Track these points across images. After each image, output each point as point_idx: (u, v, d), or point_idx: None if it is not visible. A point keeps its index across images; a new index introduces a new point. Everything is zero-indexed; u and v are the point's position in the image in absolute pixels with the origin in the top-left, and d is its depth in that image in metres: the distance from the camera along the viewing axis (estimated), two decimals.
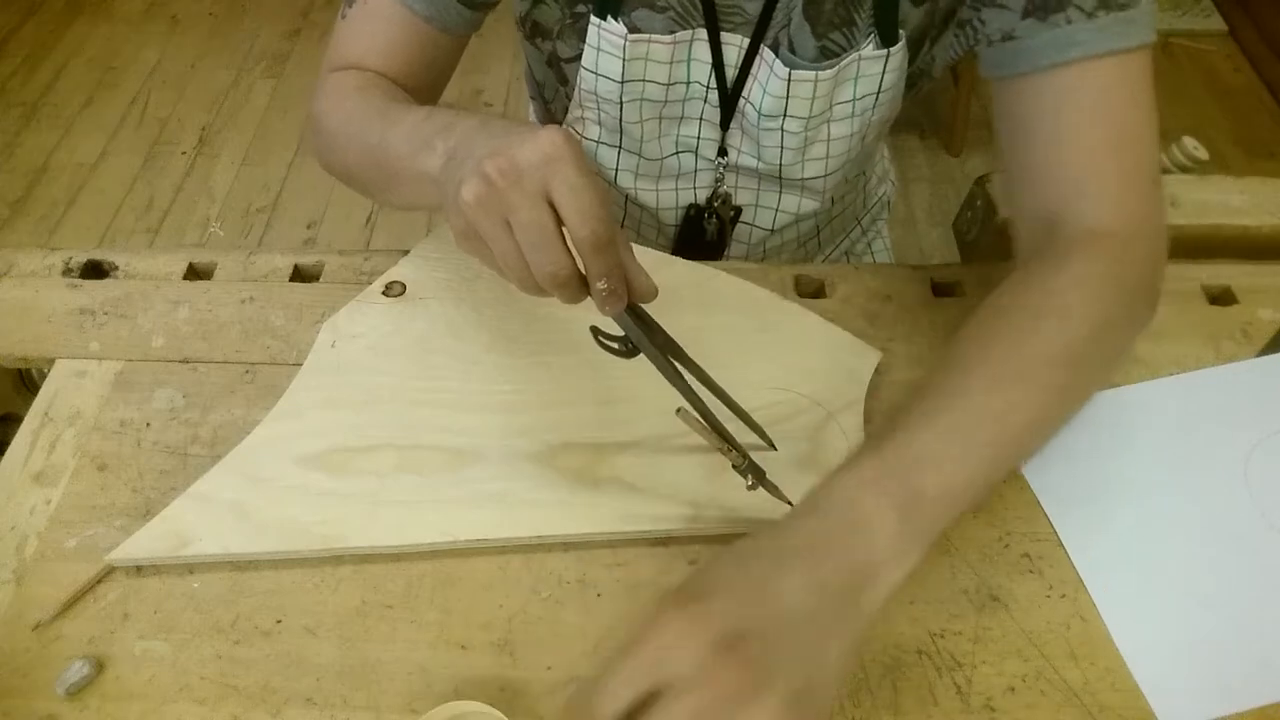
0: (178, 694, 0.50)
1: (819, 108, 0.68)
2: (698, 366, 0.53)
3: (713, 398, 0.54)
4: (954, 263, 0.78)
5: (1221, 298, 0.70)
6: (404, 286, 0.68)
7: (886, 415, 0.56)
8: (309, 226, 1.99)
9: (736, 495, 0.57)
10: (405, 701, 0.50)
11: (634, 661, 0.37)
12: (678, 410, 0.51)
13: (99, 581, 0.54)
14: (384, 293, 0.67)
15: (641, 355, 0.51)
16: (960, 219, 0.81)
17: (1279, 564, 0.55)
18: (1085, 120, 0.57)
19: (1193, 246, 0.74)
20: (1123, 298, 0.54)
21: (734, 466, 0.54)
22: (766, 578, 0.39)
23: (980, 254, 0.78)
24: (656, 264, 0.69)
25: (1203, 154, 0.82)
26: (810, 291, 0.71)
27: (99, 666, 0.51)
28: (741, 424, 0.56)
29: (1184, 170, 0.82)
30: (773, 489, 0.54)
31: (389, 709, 0.50)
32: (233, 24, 2.50)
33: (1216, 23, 2.41)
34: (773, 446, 0.59)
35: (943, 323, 0.68)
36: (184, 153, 2.15)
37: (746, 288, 0.68)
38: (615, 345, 0.52)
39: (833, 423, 0.61)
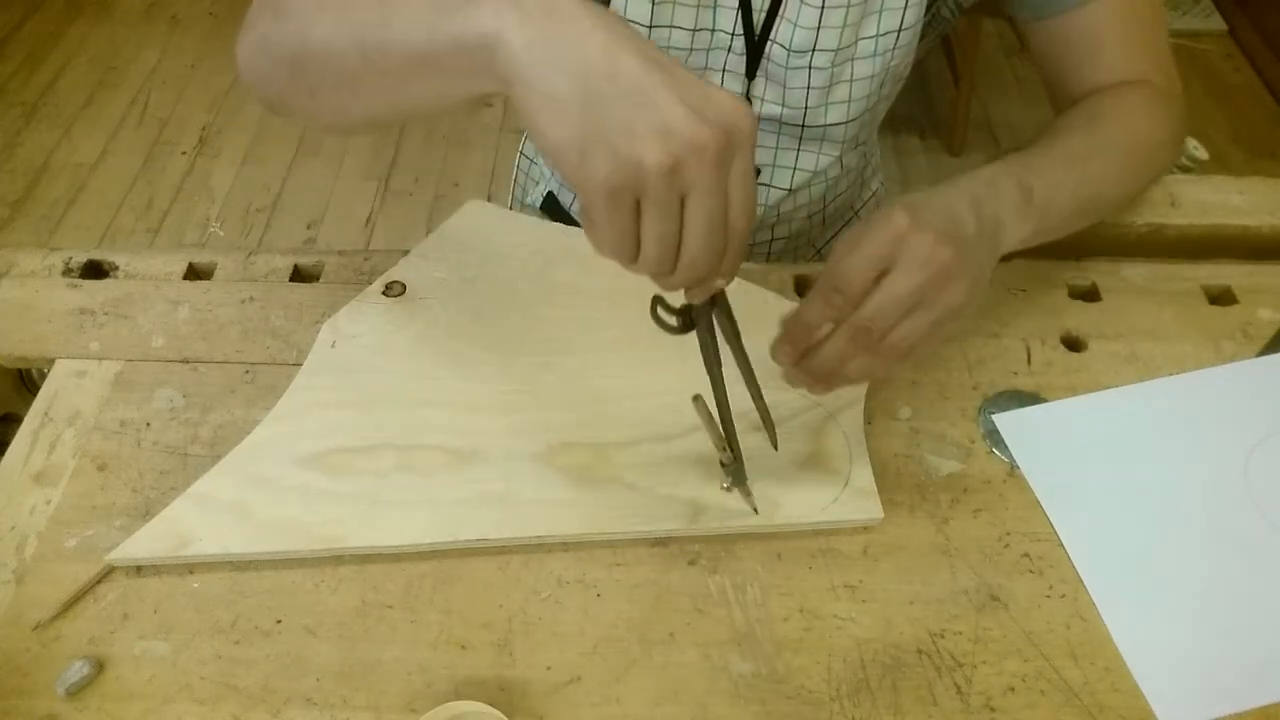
0: (178, 694, 0.50)
1: (847, 39, 0.69)
2: (743, 352, 0.51)
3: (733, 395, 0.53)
4: None
5: (1221, 298, 0.70)
6: (404, 286, 0.68)
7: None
8: (309, 226, 1.99)
9: (736, 495, 0.57)
10: (405, 701, 0.50)
11: (877, 247, 0.48)
12: (694, 397, 0.51)
13: (99, 581, 0.54)
14: (384, 293, 0.67)
15: (693, 334, 0.49)
16: None
17: (1279, 564, 0.55)
18: (1121, 33, 0.69)
19: (1193, 246, 0.74)
20: (1165, 127, 0.69)
21: (721, 463, 0.55)
22: (954, 217, 0.51)
23: None
24: None
25: (1203, 154, 0.82)
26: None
27: (99, 666, 0.51)
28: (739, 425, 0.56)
29: (1184, 170, 0.82)
30: (746, 496, 0.56)
31: (389, 709, 0.50)
32: (233, 24, 2.48)
33: (1216, 23, 2.41)
34: (774, 446, 0.59)
35: None
36: (184, 153, 2.15)
37: (747, 288, 0.68)
38: (673, 321, 0.48)
39: (833, 423, 0.61)
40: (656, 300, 0.48)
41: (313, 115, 0.55)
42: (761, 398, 0.54)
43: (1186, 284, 0.71)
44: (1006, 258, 0.65)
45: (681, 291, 0.46)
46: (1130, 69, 0.69)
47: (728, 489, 0.56)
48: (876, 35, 0.70)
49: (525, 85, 0.40)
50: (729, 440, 0.54)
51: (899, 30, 0.70)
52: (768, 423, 0.56)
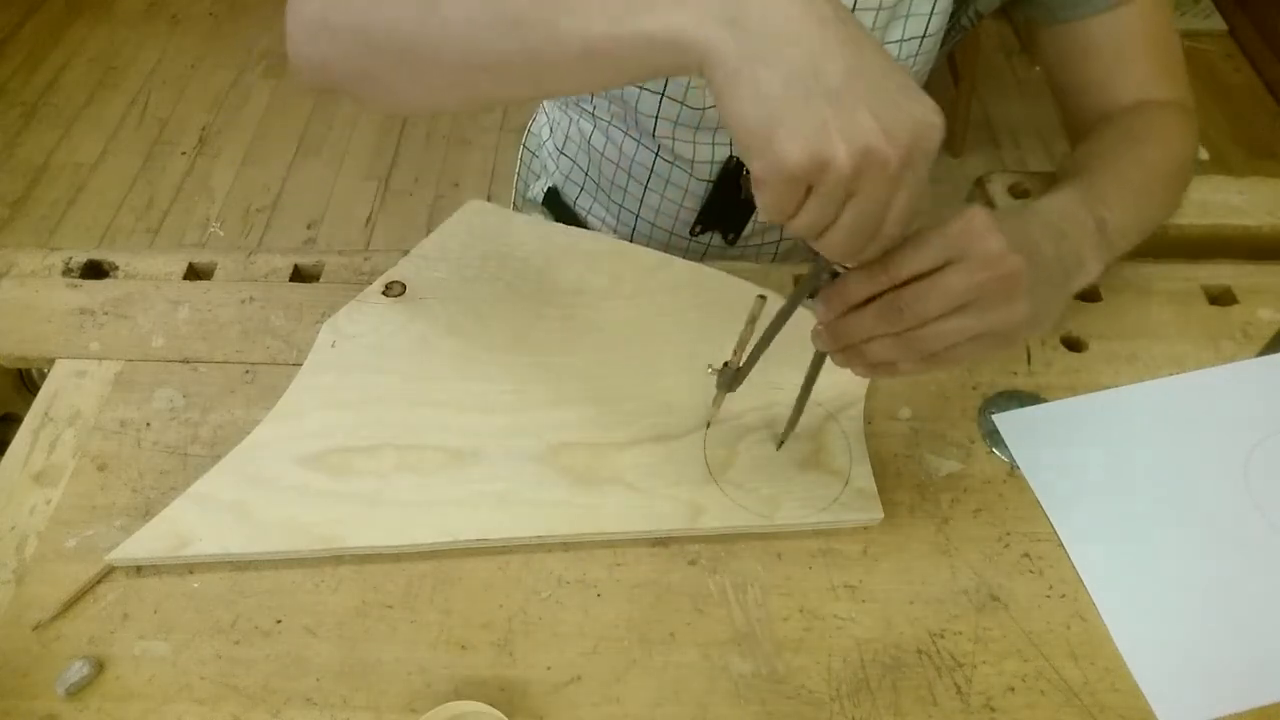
0: (178, 694, 0.50)
1: None
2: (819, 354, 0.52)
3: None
4: None
5: (1221, 298, 0.70)
6: (404, 286, 0.68)
7: (1061, 171, 0.66)
8: (309, 226, 1.99)
9: (736, 494, 0.57)
10: (405, 701, 0.50)
11: (947, 237, 0.45)
12: (760, 295, 0.50)
13: (99, 581, 0.54)
14: (384, 293, 0.67)
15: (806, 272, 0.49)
16: None
17: (1279, 564, 0.55)
18: (1146, 45, 0.68)
19: (1193, 246, 0.74)
20: (1193, 146, 0.67)
21: (726, 362, 0.54)
22: (1032, 240, 0.48)
23: None
24: (657, 264, 0.70)
25: (1203, 154, 0.82)
26: (810, 291, 0.71)
27: (99, 666, 0.51)
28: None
29: None
30: (715, 405, 0.58)
31: (389, 709, 0.50)
32: (233, 24, 2.50)
33: (1216, 23, 2.41)
34: (777, 446, 0.59)
35: None
36: (184, 153, 2.15)
37: (746, 288, 0.68)
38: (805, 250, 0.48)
39: (833, 423, 0.61)
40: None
41: (397, 96, 0.53)
42: (809, 391, 0.54)
43: (1186, 284, 0.71)
44: None
45: None
46: (1158, 85, 0.68)
47: (709, 373, 0.55)
48: (901, 40, 0.70)
49: (724, 73, 0.40)
50: (749, 353, 0.53)
51: (923, 36, 0.70)
52: (794, 416, 0.56)
